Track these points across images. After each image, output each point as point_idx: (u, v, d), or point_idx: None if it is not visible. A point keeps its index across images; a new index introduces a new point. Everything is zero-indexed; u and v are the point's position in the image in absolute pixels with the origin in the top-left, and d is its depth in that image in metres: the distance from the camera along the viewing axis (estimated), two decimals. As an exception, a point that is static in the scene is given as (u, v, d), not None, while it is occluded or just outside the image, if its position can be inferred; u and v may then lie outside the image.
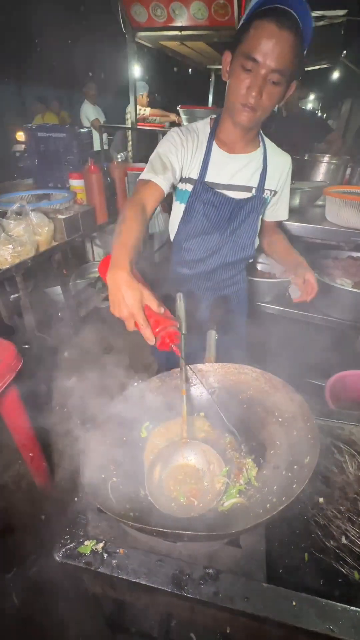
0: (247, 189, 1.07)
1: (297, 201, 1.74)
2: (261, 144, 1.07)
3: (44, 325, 2.04)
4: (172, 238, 1.19)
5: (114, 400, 0.78)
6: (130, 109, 3.93)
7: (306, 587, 0.60)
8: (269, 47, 0.77)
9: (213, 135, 1.02)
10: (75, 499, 1.68)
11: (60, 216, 1.75)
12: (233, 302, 1.30)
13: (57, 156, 2.45)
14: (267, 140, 1.09)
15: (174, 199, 1.12)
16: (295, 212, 1.81)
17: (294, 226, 1.67)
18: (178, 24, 3.13)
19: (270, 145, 1.09)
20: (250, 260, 1.27)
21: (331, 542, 0.69)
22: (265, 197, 1.09)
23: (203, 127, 1.05)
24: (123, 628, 1.17)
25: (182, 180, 1.05)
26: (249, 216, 1.08)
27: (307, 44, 0.82)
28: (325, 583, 0.64)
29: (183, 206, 1.08)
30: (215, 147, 1.03)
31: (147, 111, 4.31)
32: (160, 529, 0.45)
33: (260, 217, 1.15)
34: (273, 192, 1.11)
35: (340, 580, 0.64)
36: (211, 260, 1.16)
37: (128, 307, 0.68)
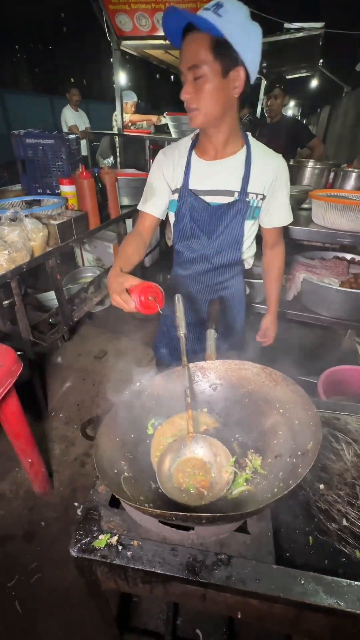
0: (229, 193, 1.07)
1: (284, 204, 1.81)
2: (245, 147, 1.06)
3: (38, 331, 2.03)
4: (173, 242, 1.26)
5: (119, 399, 0.80)
6: (117, 115, 3.98)
7: (312, 567, 0.64)
8: (183, 55, 0.88)
9: (193, 146, 1.10)
10: (75, 504, 1.68)
11: (53, 222, 1.75)
12: (229, 304, 1.32)
13: (45, 162, 2.45)
14: (255, 143, 1.08)
15: (168, 210, 1.20)
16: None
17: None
18: (162, 33, 3.20)
19: (257, 147, 1.07)
20: (248, 267, 1.29)
21: (333, 525, 0.73)
22: (250, 200, 1.07)
23: (186, 141, 1.13)
24: (130, 627, 1.18)
25: (173, 192, 1.14)
26: (232, 220, 1.09)
27: (227, 29, 0.82)
28: (330, 563, 0.68)
29: (173, 213, 1.16)
30: (194, 156, 1.09)
31: (128, 117, 4.40)
32: (180, 513, 0.48)
33: (252, 222, 1.12)
34: (261, 196, 1.08)
35: (343, 559, 0.68)
36: (200, 263, 1.21)
37: (114, 292, 0.85)
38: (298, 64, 4.34)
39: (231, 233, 1.12)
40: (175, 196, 1.13)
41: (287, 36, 3.01)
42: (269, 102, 2.83)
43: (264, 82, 4.76)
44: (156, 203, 1.15)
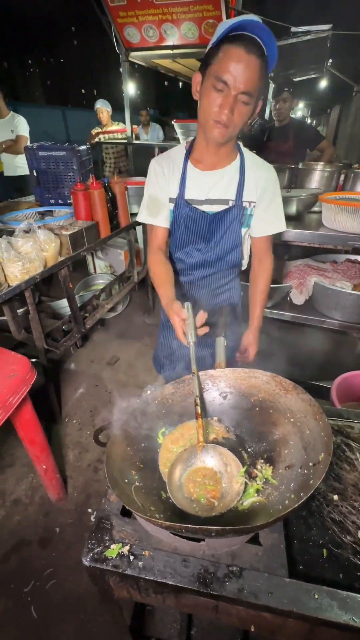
0: (224, 201, 1.10)
1: (293, 208, 1.80)
2: (238, 157, 1.09)
3: (51, 338, 2.07)
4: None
5: (129, 408, 0.81)
6: (127, 125, 4.07)
7: (326, 581, 0.62)
8: (238, 71, 0.83)
9: (188, 155, 1.09)
10: (89, 510, 1.69)
11: (65, 232, 1.80)
12: (230, 307, 1.34)
13: (57, 173, 2.52)
14: (248, 153, 1.11)
15: None
16: (292, 219, 1.87)
17: (292, 233, 1.72)
18: (170, 43, 3.26)
19: (250, 156, 1.10)
20: (243, 268, 1.31)
21: (348, 537, 0.72)
22: (245, 206, 1.11)
23: (179, 150, 1.12)
24: (144, 636, 1.17)
25: (170, 201, 1.14)
26: (230, 226, 1.12)
27: (271, 68, 0.89)
28: (345, 577, 0.66)
29: (169, 222, 1.17)
30: (190, 165, 1.09)
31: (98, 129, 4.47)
32: (190, 526, 0.48)
33: (246, 229, 1.15)
34: (254, 204, 1.11)
35: (359, 573, 0.66)
36: (201, 268, 1.22)
37: (174, 324, 0.89)
38: (306, 66, 4.32)
39: (230, 238, 1.14)
40: (172, 206, 1.13)
41: (294, 40, 3.01)
42: (277, 106, 2.82)
43: (271, 86, 4.76)
44: (166, 215, 1.15)
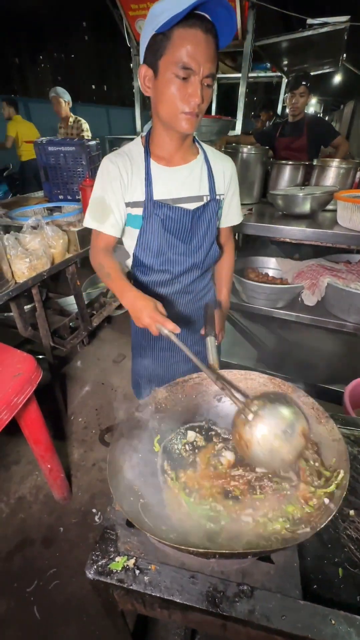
0: (199, 198, 1.04)
1: (307, 206, 1.74)
2: (200, 150, 1.05)
3: (58, 336, 2.06)
4: (130, 264, 1.13)
5: (122, 416, 0.77)
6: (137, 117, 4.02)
7: (342, 604, 0.59)
8: (201, 54, 0.77)
9: (148, 152, 0.99)
10: (94, 510, 1.67)
11: (73, 228, 1.77)
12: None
13: (66, 169, 2.49)
14: (205, 145, 1.07)
15: (125, 225, 1.05)
16: (306, 217, 1.81)
17: (306, 231, 1.67)
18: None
19: (209, 150, 1.07)
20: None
21: (365, 556, 0.68)
22: (219, 199, 1.08)
23: (135, 147, 1.01)
24: (147, 643, 1.15)
25: (128, 205, 0.99)
26: (210, 221, 1.06)
27: (225, 44, 0.82)
28: (362, 599, 0.62)
29: (137, 231, 1.03)
30: (153, 163, 0.99)
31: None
32: (202, 550, 0.45)
33: (218, 222, 1.12)
34: (223, 196, 1.09)
35: (377, 596, 0.62)
36: (188, 273, 1.13)
37: (147, 314, 0.79)
38: (321, 60, 4.21)
39: (210, 234, 1.08)
40: (137, 211, 1.00)
41: (310, 32, 2.92)
42: (293, 100, 2.74)
43: (284, 81, 4.66)
44: (114, 222, 0.99)
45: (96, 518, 1.59)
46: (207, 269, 1.17)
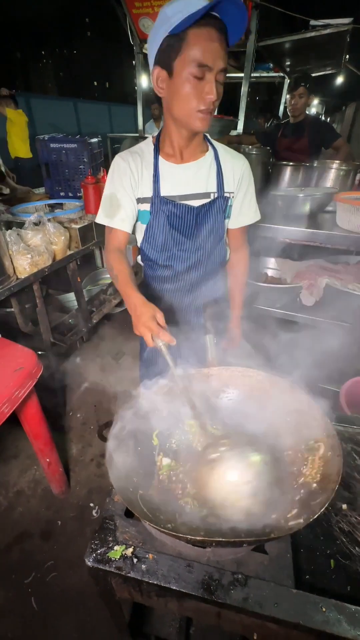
0: (205, 195, 1.05)
1: (307, 207, 1.76)
2: (210, 147, 1.05)
3: (58, 332, 2.07)
4: (140, 259, 1.16)
5: (122, 409, 0.78)
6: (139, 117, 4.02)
7: (334, 593, 0.61)
8: (216, 50, 0.79)
9: (157, 150, 1.01)
10: (91, 504, 1.69)
11: (74, 225, 1.78)
12: (222, 304, 1.28)
13: (68, 166, 2.50)
14: (216, 143, 1.07)
15: (136, 221, 1.09)
16: (305, 218, 1.83)
17: (305, 232, 1.68)
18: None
19: (221, 147, 1.07)
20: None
21: (357, 548, 0.70)
22: (227, 197, 1.07)
23: (146, 146, 1.04)
24: (143, 633, 1.17)
25: (139, 201, 1.03)
26: (215, 219, 1.07)
27: (234, 42, 0.84)
28: (352, 589, 0.64)
29: (144, 226, 1.06)
30: (162, 160, 1.01)
31: None
32: (199, 538, 0.47)
33: (227, 220, 1.12)
34: (233, 194, 1.08)
35: (367, 586, 0.64)
36: (191, 271, 1.14)
37: (143, 322, 0.80)
38: (323, 61, 4.22)
39: (215, 232, 1.09)
40: (145, 206, 1.03)
41: (313, 33, 2.93)
42: (292, 101, 2.76)
43: (287, 81, 4.67)
44: (124, 217, 1.03)
45: (93, 512, 1.61)
46: (212, 270, 1.17)
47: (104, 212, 1.04)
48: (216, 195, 1.05)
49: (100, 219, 1.06)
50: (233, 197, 1.08)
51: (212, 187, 1.05)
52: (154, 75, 0.87)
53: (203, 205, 1.04)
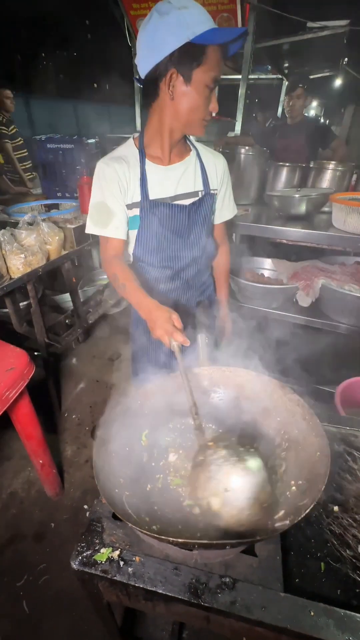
0: (195, 193, 1.07)
1: (303, 208, 1.76)
2: (192, 147, 1.08)
3: (53, 332, 2.06)
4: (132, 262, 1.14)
5: (111, 409, 0.77)
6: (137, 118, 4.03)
7: (323, 597, 0.60)
8: (221, 67, 0.88)
9: (143, 153, 1.00)
10: (85, 506, 1.68)
11: (69, 225, 1.78)
12: (211, 301, 1.33)
13: (65, 166, 2.50)
14: (195, 142, 1.11)
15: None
16: (301, 219, 1.82)
17: (300, 233, 1.68)
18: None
19: (200, 146, 1.10)
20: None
21: (347, 551, 0.69)
22: (214, 194, 1.11)
23: (128, 149, 1.01)
24: (135, 637, 1.16)
25: (128, 207, 1.01)
26: (206, 215, 1.10)
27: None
28: (343, 593, 0.63)
29: (135, 232, 1.04)
30: (148, 163, 1.00)
31: None
32: (180, 540, 0.46)
33: (213, 216, 1.17)
34: (216, 191, 1.12)
35: (358, 590, 0.63)
36: (189, 268, 1.15)
37: (159, 325, 0.82)
38: (321, 63, 4.23)
39: (208, 228, 1.13)
40: (135, 211, 1.01)
41: (310, 35, 2.94)
42: (290, 103, 2.76)
43: (285, 83, 4.68)
44: (118, 224, 1.01)
45: (87, 514, 1.59)
46: (205, 264, 1.21)
47: (92, 222, 1.02)
48: (203, 192, 1.08)
49: (90, 229, 1.03)
50: (216, 193, 1.12)
51: (199, 186, 1.07)
52: (166, 76, 0.85)
53: (193, 203, 1.06)
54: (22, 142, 3.48)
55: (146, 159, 1.00)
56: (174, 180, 1.03)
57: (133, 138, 1.03)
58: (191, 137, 1.11)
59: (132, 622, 1.21)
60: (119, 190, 0.98)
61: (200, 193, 1.08)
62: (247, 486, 0.59)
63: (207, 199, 1.08)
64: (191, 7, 0.81)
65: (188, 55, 0.82)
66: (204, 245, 1.13)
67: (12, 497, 1.66)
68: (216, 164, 1.10)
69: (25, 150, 3.48)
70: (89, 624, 1.26)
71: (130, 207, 1.01)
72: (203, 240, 1.12)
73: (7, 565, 1.41)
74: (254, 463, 0.61)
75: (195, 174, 1.07)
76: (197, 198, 1.07)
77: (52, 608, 1.29)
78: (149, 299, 0.89)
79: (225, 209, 1.19)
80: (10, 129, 3.32)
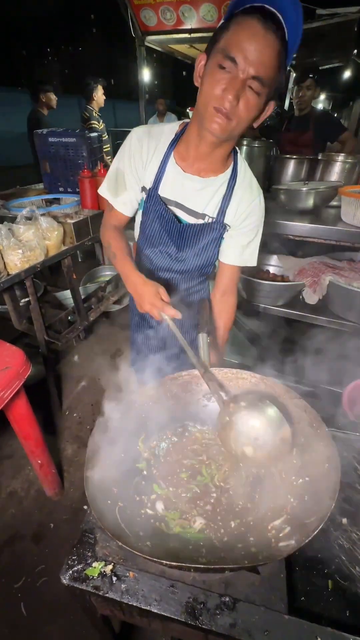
0: (200, 215, 0.96)
1: (310, 202, 1.69)
2: (231, 168, 0.92)
3: (54, 330, 2.03)
4: (136, 240, 1.11)
5: (106, 414, 0.74)
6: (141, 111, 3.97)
7: (331, 619, 0.55)
8: (251, 49, 0.66)
9: (174, 144, 0.90)
10: (85, 507, 1.65)
11: (69, 220, 1.73)
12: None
13: (67, 160, 2.45)
14: (243, 165, 0.94)
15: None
16: (309, 213, 1.76)
17: (308, 227, 1.62)
18: (187, 26, 3.12)
19: (243, 172, 0.94)
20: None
21: (357, 568, 0.64)
22: (226, 226, 0.98)
23: (169, 131, 0.92)
24: (133, 646, 1.13)
25: (142, 188, 0.97)
26: (207, 244, 0.99)
27: (290, 59, 0.73)
28: (352, 614, 0.59)
29: (141, 212, 1.02)
30: (171, 160, 0.91)
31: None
32: (174, 564, 0.41)
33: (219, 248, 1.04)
34: (229, 226, 0.98)
35: (368, 612, 0.59)
36: (169, 272, 1.08)
37: (147, 299, 0.82)
38: (330, 52, 4.11)
39: (204, 255, 1.02)
40: (143, 196, 0.97)
41: (319, 23, 2.84)
42: (299, 94, 2.67)
43: (292, 74, 4.56)
44: (127, 201, 0.98)
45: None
46: (190, 278, 1.11)
47: (107, 185, 1.00)
48: (212, 220, 0.96)
49: (103, 191, 1.02)
50: (229, 228, 0.99)
51: (211, 212, 0.95)
52: (197, 62, 0.78)
53: (192, 225, 0.96)
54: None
55: (172, 152, 0.91)
56: (185, 190, 0.93)
57: (182, 122, 0.93)
58: (243, 162, 0.96)
59: (130, 629, 1.18)
60: (137, 169, 0.94)
61: (207, 218, 0.96)
62: (271, 430, 0.64)
63: (214, 227, 0.96)
64: None
65: (215, 35, 0.72)
66: (194, 267, 1.05)
67: (12, 496, 1.64)
68: (246, 199, 0.94)
69: (109, 145, 3.71)
70: (87, 628, 1.23)
71: (143, 189, 0.98)
72: (194, 264, 1.04)
73: (5, 566, 1.39)
74: (272, 411, 0.65)
75: (213, 197, 0.93)
76: (201, 221, 0.96)
77: (50, 611, 1.27)
78: (136, 273, 0.88)
79: (242, 252, 1.02)
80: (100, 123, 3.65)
